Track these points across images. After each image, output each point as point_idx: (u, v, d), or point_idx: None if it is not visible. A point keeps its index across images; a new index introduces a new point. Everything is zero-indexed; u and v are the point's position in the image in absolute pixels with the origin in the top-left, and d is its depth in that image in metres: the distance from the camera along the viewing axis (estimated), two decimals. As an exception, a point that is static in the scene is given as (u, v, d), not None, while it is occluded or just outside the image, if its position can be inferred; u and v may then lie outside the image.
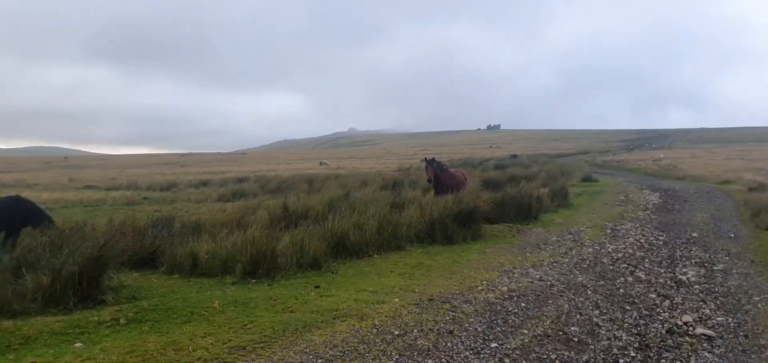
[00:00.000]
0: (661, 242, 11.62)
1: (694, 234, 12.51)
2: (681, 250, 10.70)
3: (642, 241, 11.77)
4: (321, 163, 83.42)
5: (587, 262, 9.40)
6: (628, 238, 12.16)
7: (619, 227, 13.59)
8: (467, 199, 11.42)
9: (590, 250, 10.56)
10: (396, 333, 5.62)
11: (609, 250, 10.63)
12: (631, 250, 10.61)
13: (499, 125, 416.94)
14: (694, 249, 10.83)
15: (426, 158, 14.03)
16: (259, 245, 7.73)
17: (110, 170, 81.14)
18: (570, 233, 12.58)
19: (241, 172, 57.03)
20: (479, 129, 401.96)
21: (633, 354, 5.42)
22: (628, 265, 9.35)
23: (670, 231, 13.11)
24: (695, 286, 8.09)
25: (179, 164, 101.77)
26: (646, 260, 9.81)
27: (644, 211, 17.41)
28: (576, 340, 5.69)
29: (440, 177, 13.96)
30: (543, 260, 9.36)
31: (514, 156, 76.02)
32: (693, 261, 9.78)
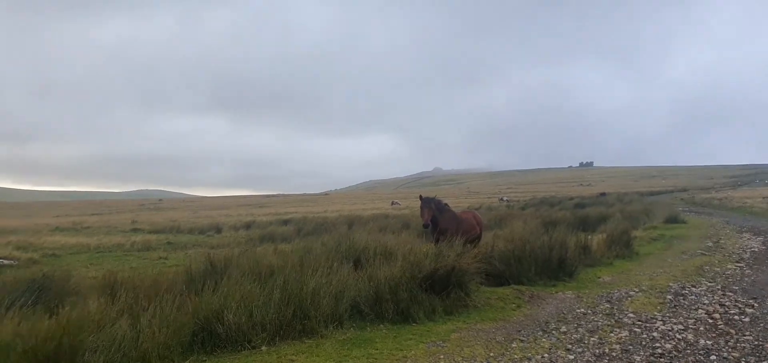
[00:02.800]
0: (747, 319, 7.70)
1: (803, 305, 8.40)
2: (777, 337, 6.81)
3: (717, 315, 7.90)
4: (393, 203, 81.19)
5: (605, 362, 5.85)
6: (697, 309, 8.30)
7: (687, 291, 9.64)
8: (447, 254, 8.13)
9: (624, 334, 6.92)
10: None
11: (655, 334, 6.93)
12: (691, 335, 6.86)
13: (592, 162, 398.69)
14: (799, 334, 6.89)
15: (421, 196, 10.89)
16: (53, 338, 5.02)
17: (190, 212, 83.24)
18: (609, 300, 8.88)
19: (306, 213, 55.60)
20: (570, 166, 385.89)
21: None
22: (677, 367, 5.71)
23: (766, 297, 9.03)
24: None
25: (258, 205, 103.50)
26: (712, 356, 6.08)
27: (736, 263, 13.09)
28: None
29: (438, 220, 10.75)
30: (531, 357, 5.93)
31: (603, 194, 69.90)
32: (795, 361, 5.94)
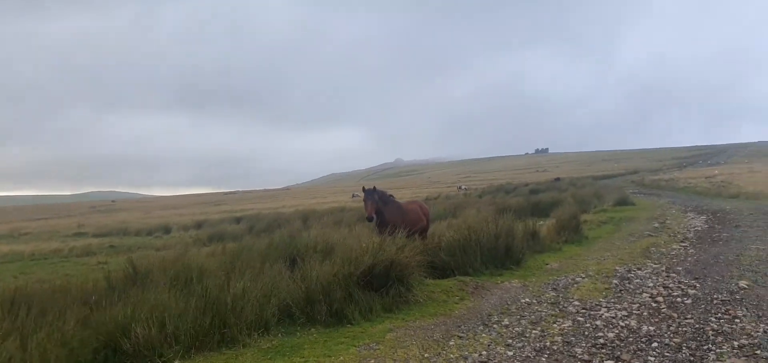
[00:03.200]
0: (689, 301, 7.59)
1: (743, 283, 8.36)
2: (718, 317, 6.69)
3: (660, 299, 7.77)
4: (353, 196, 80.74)
5: (545, 357, 5.58)
6: (642, 292, 8.18)
7: (633, 274, 9.55)
8: (387, 248, 7.73)
9: (567, 323, 6.68)
10: None
11: (599, 322, 6.72)
12: (635, 322, 6.68)
13: (547, 148, 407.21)
14: (739, 314, 6.78)
15: (364, 188, 10.47)
16: None
17: (142, 212, 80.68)
18: (555, 288, 8.68)
19: (263, 209, 54.66)
20: (526, 153, 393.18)
21: None
22: (618, 359, 5.48)
23: (707, 277, 9.00)
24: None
25: (214, 203, 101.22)
26: (654, 343, 5.89)
27: (681, 243, 13.21)
28: None
29: (384, 212, 10.37)
30: (468, 355, 5.60)
31: (557, 179, 71.30)
32: (735, 342, 5.80)
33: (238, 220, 32.24)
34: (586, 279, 9.22)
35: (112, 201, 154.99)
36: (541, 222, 16.83)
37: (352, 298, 6.90)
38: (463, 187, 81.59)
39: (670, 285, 8.60)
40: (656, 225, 17.37)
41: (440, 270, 9.35)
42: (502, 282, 9.05)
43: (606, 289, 8.50)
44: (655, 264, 10.51)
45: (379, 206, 10.35)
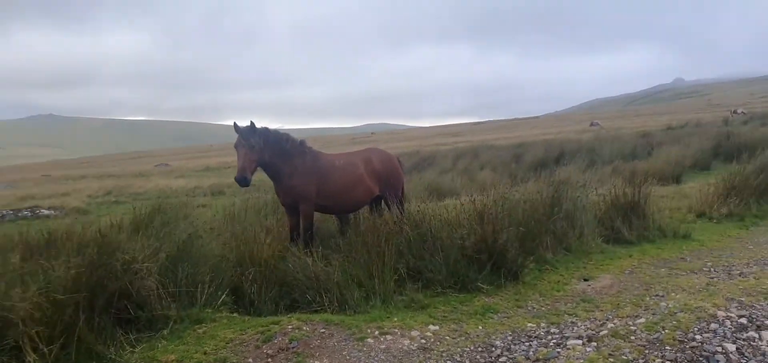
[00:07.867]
0: None
1: None
2: None
3: None
4: (591, 124, 71.20)
5: None
6: None
7: (749, 337, 3.66)
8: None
9: None
10: None
11: None
12: None
13: None
14: None
15: (236, 125, 5.94)
16: None
17: (372, 143, 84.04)
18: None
19: (484, 140, 50.49)
20: None
21: None
22: None
23: None
24: None
25: (452, 134, 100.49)
26: None
27: None
28: None
29: (280, 168, 6.02)
30: None
31: None
32: None
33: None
34: (603, 348, 3.76)
35: (371, 133, 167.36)
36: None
37: None
38: (739, 110, 64.57)
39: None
40: None
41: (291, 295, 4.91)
42: (392, 328, 4.17)
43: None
44: None
45: (266, 159, 6.00)
